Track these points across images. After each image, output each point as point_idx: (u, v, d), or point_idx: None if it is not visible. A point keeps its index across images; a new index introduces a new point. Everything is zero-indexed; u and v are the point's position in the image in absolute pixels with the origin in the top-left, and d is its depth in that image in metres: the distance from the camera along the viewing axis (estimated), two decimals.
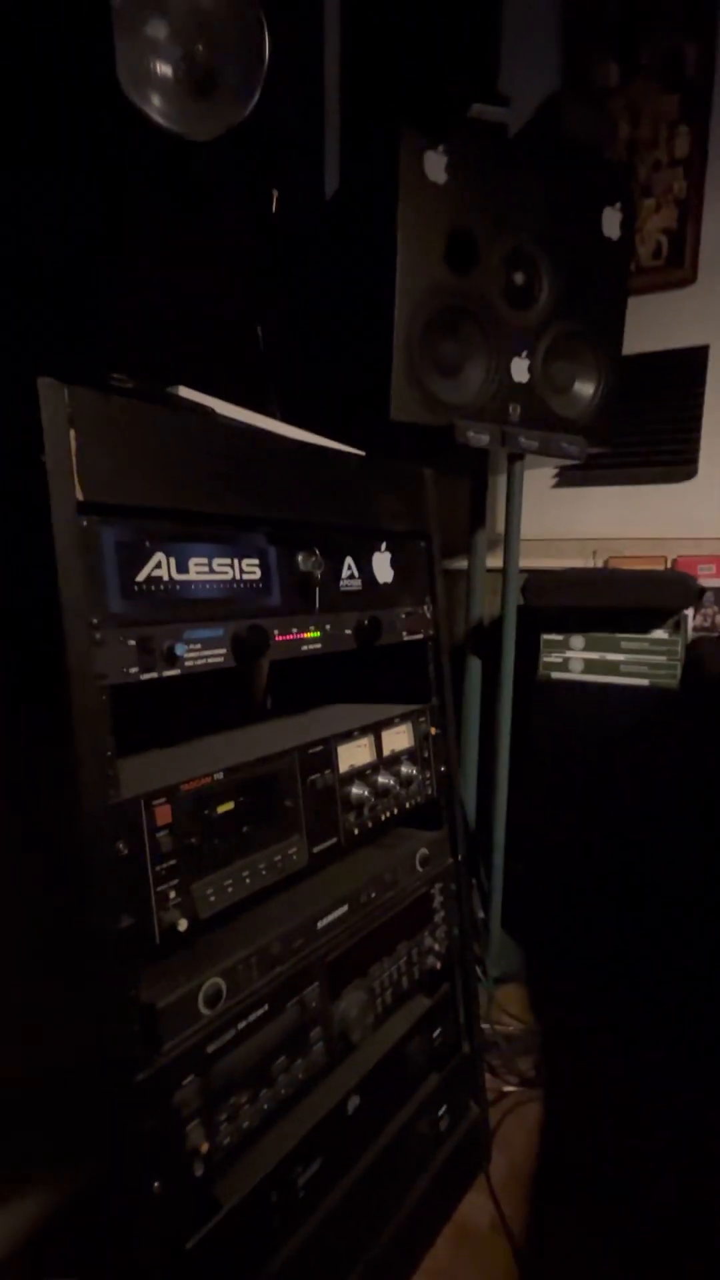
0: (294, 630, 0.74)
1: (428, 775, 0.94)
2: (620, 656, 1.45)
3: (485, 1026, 1.35)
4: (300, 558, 0.74)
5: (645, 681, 1.44)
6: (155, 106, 0.92)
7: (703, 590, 1.47)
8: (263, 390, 1.19)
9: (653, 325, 1.67)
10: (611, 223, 1.28)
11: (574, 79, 1.67)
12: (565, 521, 1.85)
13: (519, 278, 1.26)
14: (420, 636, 0.95)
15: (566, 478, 1.83)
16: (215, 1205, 0.63)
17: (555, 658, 1.50)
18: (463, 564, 1.61)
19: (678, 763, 1.42)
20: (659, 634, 1.41)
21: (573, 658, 1.49)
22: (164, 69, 0.92)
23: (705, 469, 1.66)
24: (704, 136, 1.60)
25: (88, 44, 0.85)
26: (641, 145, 1.65)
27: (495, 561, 1.52)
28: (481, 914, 1.54)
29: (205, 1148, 0.61)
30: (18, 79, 0.89)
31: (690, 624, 1.49)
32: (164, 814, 0.59)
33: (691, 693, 1.41)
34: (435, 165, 1.15)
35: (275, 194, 1.28)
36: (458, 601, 1.75)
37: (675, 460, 1.66)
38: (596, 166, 1.27)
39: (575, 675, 1.49)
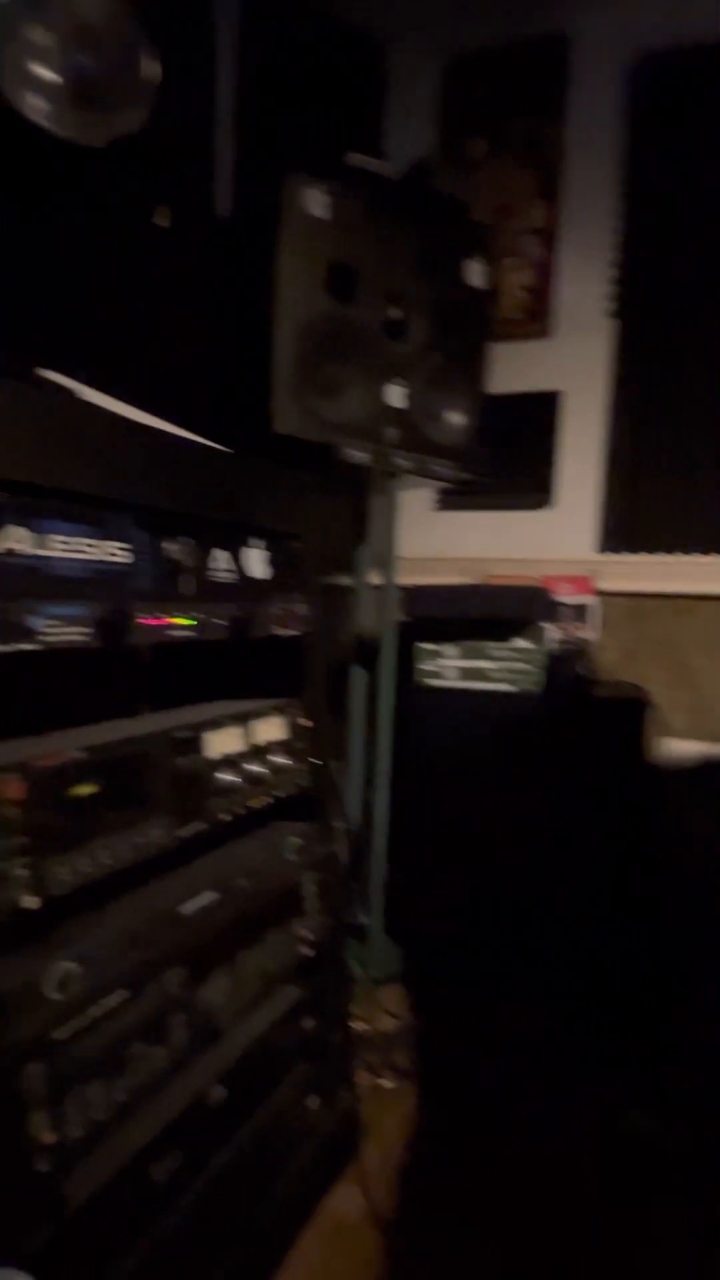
0: (163, 615, 0.75)
1: (300, 766, 0.97)
2: (489, 664, 1.56)
3: (365, 1025, 1.37)
4: (170, 545, 0.77)
5: (513, 687, 1.56)
6: (37, 109, 0.94)
7: (556, 603, 1.63)
8: (147, 388, 1.20)
9: (518, 369, 1.86)
10: (474, 273, 1.42)
11: (448, 149, 1.87)
12: (447, 542, 1.98)
13: (395, 312, 1.37)
14: (295, 633, 0.99)
15: (445, 501, 1.97)
16: (62, 1202, 0.61)
17: (430, 666, 1.59)
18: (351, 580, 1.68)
19: (543, 761, 1.55)
20: (521, 643, 1.54)
21: (446, 666, 1.59)
22: (50, 75, 0.95)
23: (561, 499, 1.86)
24: (557, 212, 1.83)
25: None
26: (507, 212, 1.85)
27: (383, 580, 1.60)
28: (365, 919, 1.57)
29: (51, 1139, 0.59)
30: None
31: (552, 635, 1.64)
32: (16, 789, 0.58)
33: (551, 696, 1.55)
34: (317, 202, 1.24)
35: (166, 208, 1.32)
36: (344, 616, 1.82)
37: (536, 490, 1.84)
38: (462, 223, 1.42)
39: (450, 682, 1.59)
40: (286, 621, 0.97)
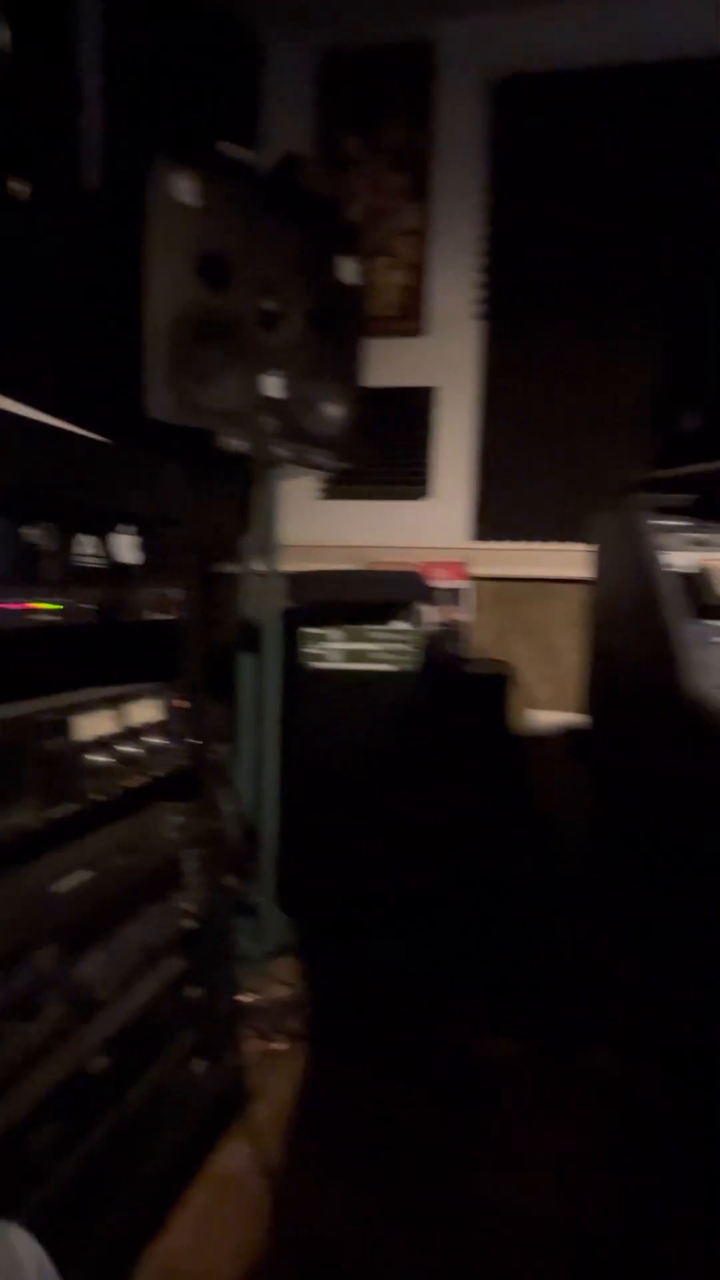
0: (23, 600, 0.76)
1: (178, 747, 1.00)
2: (370, 645, 1.65)
3: (258, 995, 1.43)
4: (30, 529, 0.77)
5: (393, 666, 1.66)
6: None
7: (430, 587, 1.74)
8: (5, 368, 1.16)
9: (394, 365, 1.95)
10: (346, 270, 1.48)
11: (324, 145, 1.91)
12: (331, 530, 2.04)
13: (270, 303, 1.40)
14: (169, 617, 1.01)
15: (329, 490, 2.03)
16: None
17: (314, 649, 1.65)
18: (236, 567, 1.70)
19: (421, 734, 1.66)
20: (400, 625, 1.64)
21: (330, 649, 1.66)
22: None
23: (438, 490, 1.98)
24: (428, 215, 1.93)
25: None
26: (381, 212, 1.93)
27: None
28: (257, 895, 1.62)
29: None
30: None
31: (429, 617, 1.75)
32: None
33: (428, 674, 1.66)
34: (186, 188, 1.24)
35: (24, 180, 1.27)
36: (229, 602, 1.84)
37: (413, 481, 1.95)
38: (334, 220, 1.47)
39: (333, 665, 1.66)
40: (161, 606, 0.99)
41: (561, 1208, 1.01)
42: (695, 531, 0.94)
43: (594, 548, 1.21)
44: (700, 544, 0.91)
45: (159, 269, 1.22)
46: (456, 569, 1.88)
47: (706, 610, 0.84)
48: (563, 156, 1.87)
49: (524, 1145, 1.12)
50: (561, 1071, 1.29)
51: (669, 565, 0.90)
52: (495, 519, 1.97)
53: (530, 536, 1.95)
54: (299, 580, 1.64)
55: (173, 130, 1.27)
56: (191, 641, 1.04)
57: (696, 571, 0.88)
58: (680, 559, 0.90)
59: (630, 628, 0.99)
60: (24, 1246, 0.48)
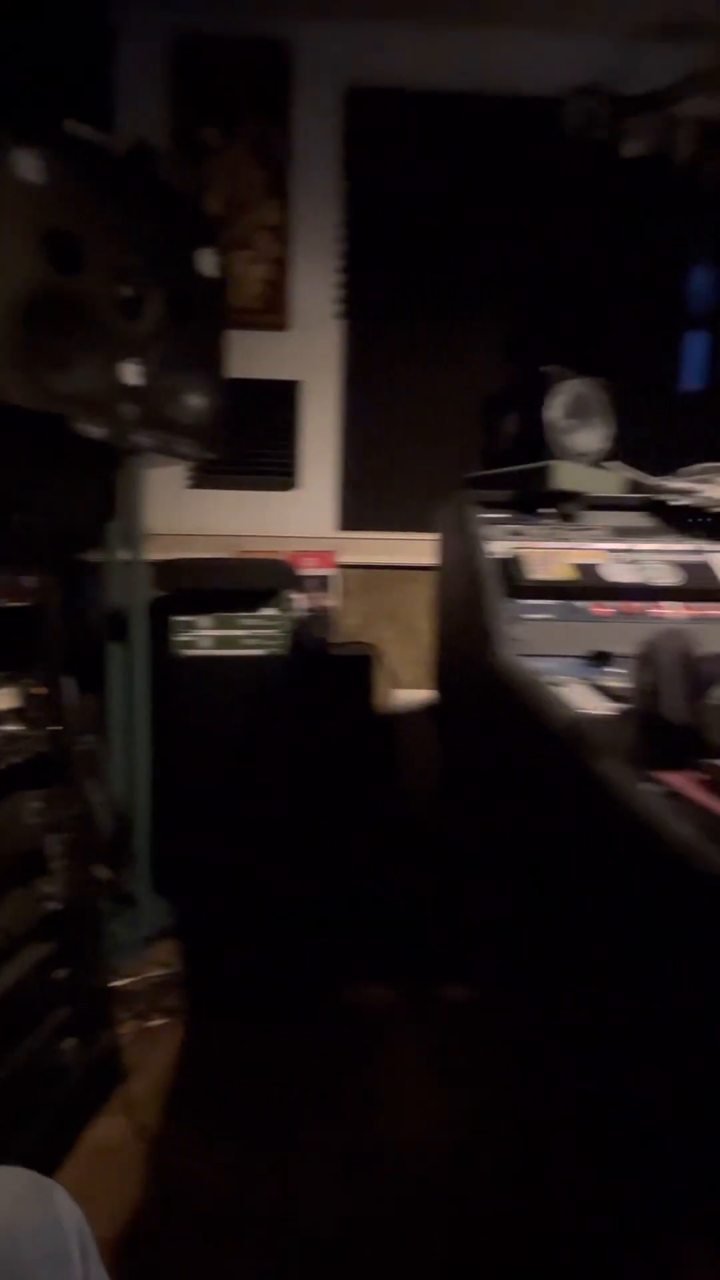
0: None
1: (36, 733, 1.00)
2: (241, 632, 1.70)
3: (135, 978, 1.44)
4: None
5: (264, 651, 1.72)
6: None
7: (299, 575, 1.82)
8: None
9: (259, 358, 1.99)
10: (206, 262, 1.50)
11: (181, 133, 1.90)
12: (201, 520, 2.05)
13: (126, 290, 1.40)
14: (23, 604, 1.00)
15: (198, 480, 2.04)
16: None
17: (185, 637, 1.67)
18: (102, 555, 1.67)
19: (292, 714, 1.73)
20: (269, 611, 1.70)
21: (201, 636, 1.69)
22: None
23: (305, 482, 2.05)
24: (288, 212, 1.98)
25: None
26: (241, 206, 1.95)
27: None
28: (133, 882, 1.62)
29: None
30: None
31: (299, 604, 1.83)
32: None
33: (297, 658, 1.74)
34: (29, 165, 1.21)
35: None
36: (94, 590, 1.81)
37: (281, 473, 2.01)
38: (191, 213, 1.48)
39: (203, 651, 1.69)
40: (13, 594, 0.99)
41: (433, 1158, 1.07)
42: (513, 523, 1.08)
43: (438, 537, 1.34)
44: (516, 534, 1.06)
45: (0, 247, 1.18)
46: (324, 557, 1.97)
47: (517, 590, 0.99)
48: (410, 170, 1.99)
49: (394, 1096, 1.21)
50: (425, 1009, 1.43)
51: (491, 552, 1.04)
52: (360, 510, 2.08)
53: (392, 526, 2.08)
54: (169, 569, 1.65)
55: (13, 102, 1.22)
56: (48, 628, 1.04)
57: (511, 558, 1.02)
58: (499, 547, 1.04)
59: (462, 608, 1.12)
60: (65, 1206, 0.48)
